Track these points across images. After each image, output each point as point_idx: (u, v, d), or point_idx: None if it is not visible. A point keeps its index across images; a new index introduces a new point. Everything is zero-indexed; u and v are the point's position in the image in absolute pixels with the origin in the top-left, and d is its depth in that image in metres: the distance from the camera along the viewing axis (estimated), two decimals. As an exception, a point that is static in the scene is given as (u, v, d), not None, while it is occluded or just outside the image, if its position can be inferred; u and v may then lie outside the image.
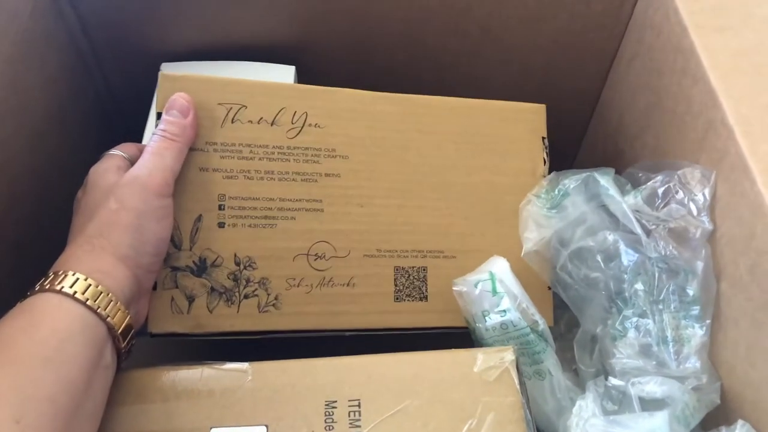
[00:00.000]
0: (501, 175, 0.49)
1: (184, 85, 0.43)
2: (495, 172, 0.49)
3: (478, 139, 0.49)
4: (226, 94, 0.44)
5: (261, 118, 0.44)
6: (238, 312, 0.43)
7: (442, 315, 0.46)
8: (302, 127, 0.45)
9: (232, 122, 0.44)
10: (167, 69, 0.52)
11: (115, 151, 0.43)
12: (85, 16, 0.52)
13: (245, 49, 0.54)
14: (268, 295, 0.43)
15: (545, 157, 0.50)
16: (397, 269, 0.46)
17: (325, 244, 0.45)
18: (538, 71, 0.59)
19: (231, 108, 0.44)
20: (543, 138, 0.50)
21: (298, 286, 0.44)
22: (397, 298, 0.46)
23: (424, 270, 0.46)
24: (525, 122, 0.50)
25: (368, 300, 0.45)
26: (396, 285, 0.46)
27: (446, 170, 0.48)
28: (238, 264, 0.43)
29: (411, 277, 0.46)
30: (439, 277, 0.47)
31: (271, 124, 0.45)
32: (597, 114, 0.64)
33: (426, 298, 0.46)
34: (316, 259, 0.44)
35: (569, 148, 0.69)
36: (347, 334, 0.45)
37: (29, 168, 0.47)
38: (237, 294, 0.43)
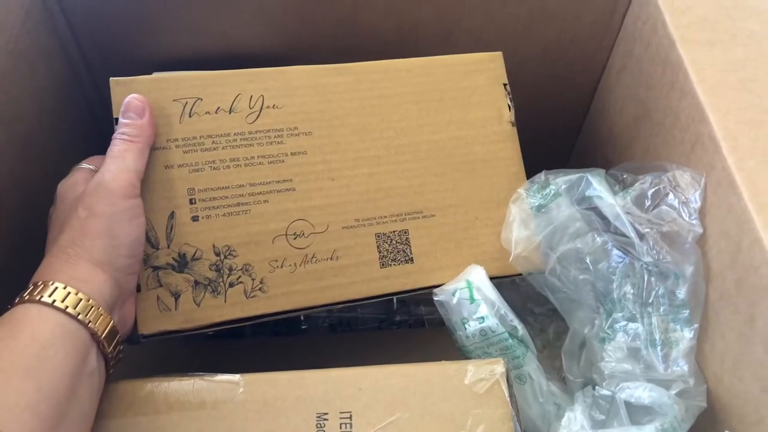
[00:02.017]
0: (467, 128, 0.49)
1: (136, 87, 0.44)
2: (461, 125, 0.49)
3: (439, 95, 0.49)
4: (179, 89, 0.44)
5: (218, 108, 0.45)
6: (225, 301, 0.43)
7: (430, 274, 0.46)
8: (260, 110, 0.45)
9: (190, 116, 0.44)
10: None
11: (83, 165, 0.44)
12: (77, 25, 0.52)
13: (237, 58, 0.54)
14: (253, 280, 0.43)
15: (509, 103, 0.50)
16: (378, 236, 0.46)
17: (302, 222, 0.45)
18: (528, 81, 0.59)
19: (186, 102, 0.44)
20: (504, 84, 0.50)
21: (281, 267, 0.44)
22: (383, 264, 0.46)
23: (405, 233, 0.46)
24: (484, 72, 0.50)
25: (354, 270, 0.45)
26: (380, 251, 0.46)
27: (411, 131, 0.48)
28: (218, 254, 0.43)
29: (394, 242, 0.46)
30: (421, 238, 0.47)
31: (229, 112, 0.45)
32: (587, 125, 0.65)
33: (412, 260, 0.46)
34: (295, 238, 0.45)
35: (559, 158, 0.70)
36: (338, 306, 0.45)
37: (21, 178, 0.47)
38: (222, 284, 0.43)
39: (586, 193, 0.45)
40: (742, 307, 0.38)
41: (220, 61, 0.53)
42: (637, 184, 0.45)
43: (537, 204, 0.46)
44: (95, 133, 0.58)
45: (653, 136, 0.50)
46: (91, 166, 0.43)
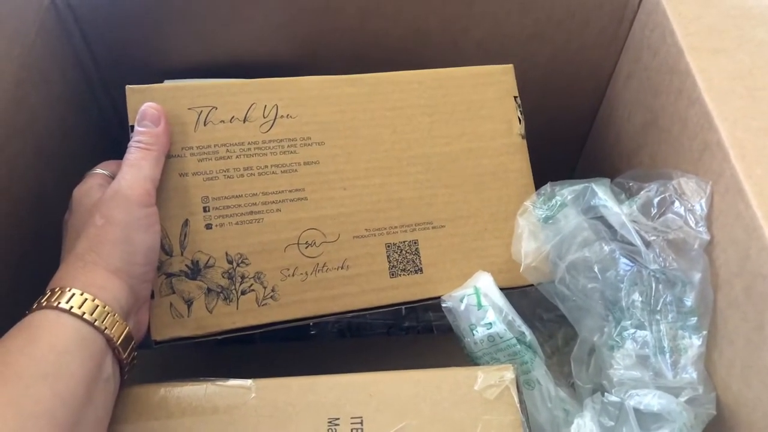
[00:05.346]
0: (478, 140, 0.49)
1: (152, 95, 0.44)
2: (471, 137, 0.49)
3: (451, 107, 0.49)
4: (194, 98, 0.45)
5: (233, 117, 0.45)
6: (237, 309, 0.43)
7: (438, 285, 0.47)
8: (274, 120, 0.46)
9: (205, 125, 0.45)
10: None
11: (97, 170, 0.44)
12: (90, 34, 0.53)
13: (246, 66, 0.54)
14: (265, 288, 0.44)
15: (519, 116, 0.50)
16: (388, 246, 0.46)
17: (313, 231, 0.45)
18: (536, 89, 0.60)
19: (201, 111, 0.45)
20: (515, 97, 0.51)
21: (293, 276, 0.44)
22: (393, 274, 0.46)
23: (415, 243, 0.47)
24: (495, 84, 0.50)
25: (364, 280, 0.46)
26: (389, 261, 0.46)
27: (423, 143, 0.48)
28: (230, 262, 0.44)
29: (403, 252, 0.47)
30: (431, 248, 0.47)
31: (244, 121, 0.45)
32: (594, 131, 0.65)
33: (421, 270, 0.47)
34: (307, 247, 0.45)
35: (567, 165, 0.70)
36: (348, 315, 0.45)
37: (34, 186, 0.48)
38: (234, 291, 0.43)
39: (592, 203, 0.45)
40: (751, 314, 0.38)
41: (230, 69, 0.54)
42: (642, 193, 0.45)
43: (544, 215, 0.46)
44: (107, 140, 0.59)
45: (661, 143, 0.50)
46: (105, 171, 0.44)
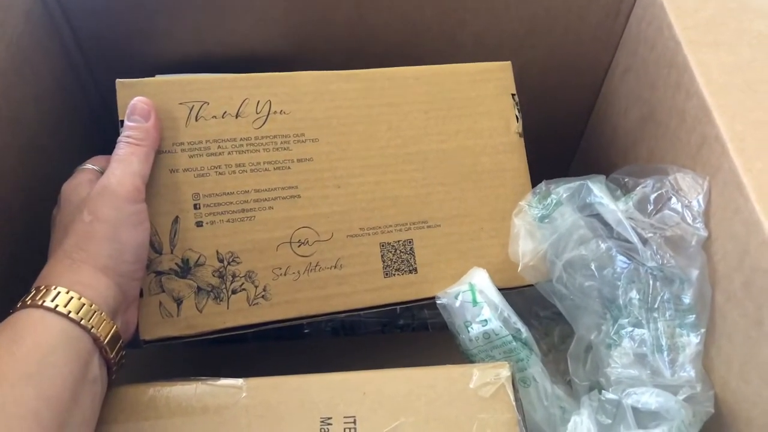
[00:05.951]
0: (475, 138, 0.48)
1: (142, 90, 0.43)
2: (468, 135, 0.48)
3: (448, 104, 0.48)
4: (186, 93, 0.44)
5: (225, 112, 0.44)
6: (228, 308, 0.43)
7: (433, 284, 0.46)
8: (267, 116, 0.45)
9: (196, 120, 0.44)
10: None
11: (86, 165, 0.43)
12: (79, 28, 0.52)
13: (241, 60, 0.54)
14: (256, 287, 0.43)
15: (517, 114, 0.50)
16: (382, 245, 0.46)
17: (306, 229, 0.45)
18: (532, 83, 0.59)
19: (193, 106, 0.44)
20: (513, 95, 0.50)
21: (285, 275, 0.44)
22: (387, 274, 0.45)
23: (410, 242, 0.46)
24: (493, 81, 0.50)
25: (357, 280, 0.45)
26: (384, 261, 0.46)
27: (419, 140, 0.47)
28: (221, 261, 0.43)
29: (398, 251, 0.46)
30: (426, 248, 0.46)
31: (236, 117, 0.44)
32: (590, 126, 0.64)
33: (415, 270, 0.46)
34: (299, 246, 0.44)
35: (563, 160, 0.70)
36: (341, 315, 0.45)
37: (23, 181, 0.47)
38: (224, 290, 0.43)
39: (588, 200, 0.45)
40: (750, 309, 0.38)
41: (223, 63, 0.53)
42: (638, 189, 0.44)
43: (540, 214, 0.46)
44: (97, 134, 0.58)
45: (658, 137, 0.49)
46: (95, 167, 0.43)
